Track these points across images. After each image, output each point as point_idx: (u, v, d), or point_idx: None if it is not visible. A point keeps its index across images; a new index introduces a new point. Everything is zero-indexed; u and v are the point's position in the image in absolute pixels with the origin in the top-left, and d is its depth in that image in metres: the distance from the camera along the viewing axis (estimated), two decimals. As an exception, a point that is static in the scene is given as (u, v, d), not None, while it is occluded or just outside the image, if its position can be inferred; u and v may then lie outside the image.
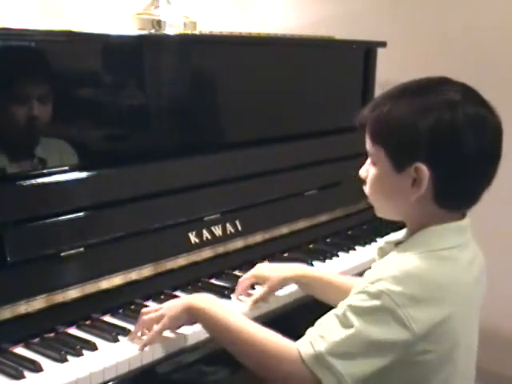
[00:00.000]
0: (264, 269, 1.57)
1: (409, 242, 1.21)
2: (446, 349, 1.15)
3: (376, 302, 1.11)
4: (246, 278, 1.57)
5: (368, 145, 1.22)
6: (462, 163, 1.13)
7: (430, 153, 1.13)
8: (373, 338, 1.10)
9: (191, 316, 1.30)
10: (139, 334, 1.33)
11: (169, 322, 1.30)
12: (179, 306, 1.31)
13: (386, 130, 1.17)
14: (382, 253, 1.27)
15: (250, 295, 1.55)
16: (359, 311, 1.12)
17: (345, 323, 1.12)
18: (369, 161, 1.23)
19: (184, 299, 1.34)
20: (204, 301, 1.29)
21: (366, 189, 1.24)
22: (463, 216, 1.22)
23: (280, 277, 1.53)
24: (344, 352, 1.10)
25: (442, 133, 1.12)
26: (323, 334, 1.13)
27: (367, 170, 1.23)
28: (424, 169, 1.13)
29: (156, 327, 1.31)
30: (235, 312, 1.28)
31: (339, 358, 1.10)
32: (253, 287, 1.59)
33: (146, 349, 1.30)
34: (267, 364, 1.17)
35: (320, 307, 1.51)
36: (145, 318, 1.33)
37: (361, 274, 1.55)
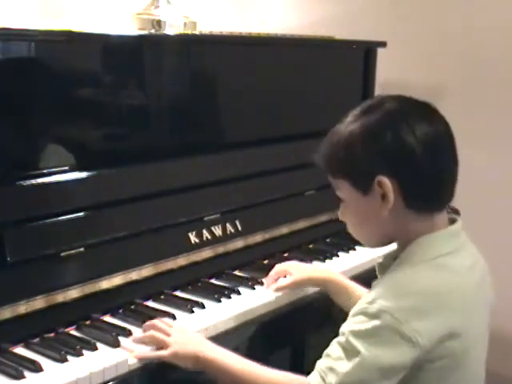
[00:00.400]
0: (294, 266, 1.62)
1: (402, 256, 1.20)
2: (456, 355, 1.14)
3: (376, 322, 1.10)
4: (276, 271, 1.61)
5: (333, 183, 1.24)
6: (415, 171, 1.15)
7: (385, 165, 1.15)
8: (381, 363, 1.09)
9: (197, 365, 1.27)
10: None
11: (170, 357, 1.28)
12: (186, 350, 1.27)
13: (338, 158, 1.20)
14: (382, 268, 1.26)
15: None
16: (361, 335, 1.10)
17: (350, 351, 1.11)
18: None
19: (192, 346, 1.28)
20: (212, 351, 1.27)
21: (349, 228, 1.26)
22: (452, 221, 1.23)
23: (305, 277, 1.58)
24: (355, 381, 1.10)
25: (388, 147, 1.15)
26: (332, 366, 1.12)
27: (343, 212, 1.26)
28: (385, 180, 1.15)
29: (156, 353, 1.29)
30: (243, 359, 1.26)
31: None
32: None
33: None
34: None
35: (319, 309, 1.51)
36: (154, 334, 1.31)
37: (361, 274, 1.55)
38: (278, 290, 1.58)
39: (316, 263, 1.80)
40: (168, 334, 1.31)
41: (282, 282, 1.59)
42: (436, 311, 1.11)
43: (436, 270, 1.15)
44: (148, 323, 1.35)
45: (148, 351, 1.30)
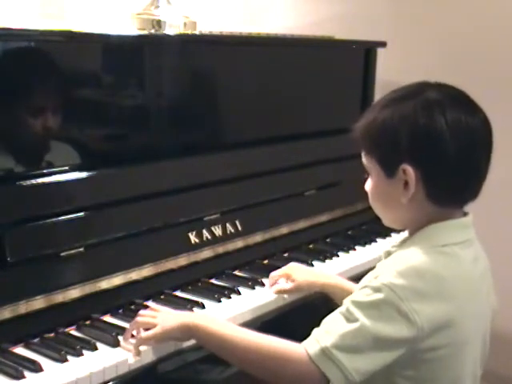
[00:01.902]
0: (296, 269, 1.61)
1: (411, 239, 1.22)
2: (453, 345, 1.15)
3: (379, 296, 1.11)
4: (278, 274, 1.61)
5: (363, 157, 1.25)
6: (442, 163, 1.16)
7: (412, 155, 1.17)
8: (378, 333, 1.10)
9: (187, 334, 1.28)
10: (134, 332, 1.32)
11: (161, 333, 1.28)
12: (175, 322, 1.29)
13: (371, 137, 1.22)
14: (388, 255, 1.27)
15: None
16: (362, 305, 1.12)
17: (349, 318, 1.13)
18: None
19: (180, 317, 1.31)
20: (200, 319, 1.29)
21: (370, 200, 1.28)
22: (465, 214, 1.23)
23: (308, 282, 1.57)
24: (349, 346, 1.11)
25: (420, 137, 1.16)
26: (329, 330, 1.14)
27: (368, 184, 1.27)
28: (410, 169, 1.16)
29: (146, 333, 1.29)
30: (233, 325, 1.29)
31: (344, 352, 1.11)
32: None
33: (144, 348, 1.30)
34: (276, 368, 1.17)
35: (319, 308, 1.51)
36: (139, 319, 1.32)
37: (361, 274, 1.55)
38: (278, 292, 1.58)
39: (316, 263, 1.80)
40: (154, 317, 1.32)
41: (284, 285, 1.59)
42: (437, 296, 1.12)
43: (443, 257, 1.16)
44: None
45: (137, 337, 1.30)
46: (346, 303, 1.15)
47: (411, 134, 1.16)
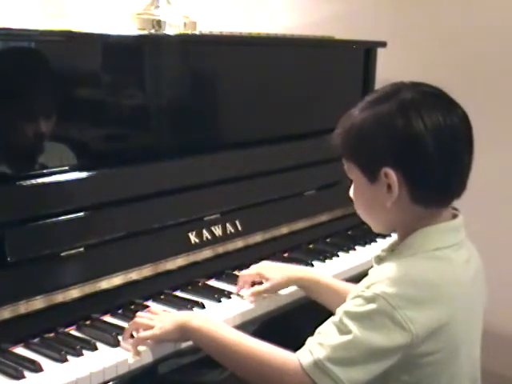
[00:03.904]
0: (268, 268, 1.58)
1: (402, 245, 1.21)
2: (448, 349, 1.14)
3: (372, 306, 1.10)
4: (249, 273, 1.57)
5: (344, 164, 1.25)
6: (423, 163, 1.15)
7: (392, 158, 1.16)
8: (372, 344, 1.09)
9: (185, 335, 1.28)
10: (133, 333, 1.32)
11: (159, 334, 1.29)
12: (173, 323, 1.29)
13: (349, 143, 1.21)
14: (379, 260, 1.27)
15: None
16: (356, 316, 1.11)
17: (342, 329, 1.12)
18: None
19: (178, 317, 1.32)
20: (198, 320, 1.28)
21: (356, 208, 1.27)
22: (454, 216, 1.23)
23: (283, 278, 1.53)
24: (343, 358, 1.10)
25: (398, 139, 1.15)
26: (322, 342, 1.13)
27: (352, 191, 1.27)
28: (391, 172, 1.15)
29: (144, 333, 1.30)
30: (231, 328, 1.28)
31: (338, 364, 1.10)
32: (253, 284, 1.59)
33: (145, 348, 1.30)
34: (269, 377, 1.17)
35: (319, 308, 1.51)
36: (137, 320, 1.33)
37: (361, 274, 1.55)
38: (255, 294, 1.54)
39: (316, 263, 1.80)
40: (151, 319, 1.32)
41: (259, 286, 1.55)
42: (431, 303, 1.12)
43: (435, 262, 1.16)
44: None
45: (135, 337, 1.30)
46: (339, 313, 1.14)
47: (389, 137, 1.15)
